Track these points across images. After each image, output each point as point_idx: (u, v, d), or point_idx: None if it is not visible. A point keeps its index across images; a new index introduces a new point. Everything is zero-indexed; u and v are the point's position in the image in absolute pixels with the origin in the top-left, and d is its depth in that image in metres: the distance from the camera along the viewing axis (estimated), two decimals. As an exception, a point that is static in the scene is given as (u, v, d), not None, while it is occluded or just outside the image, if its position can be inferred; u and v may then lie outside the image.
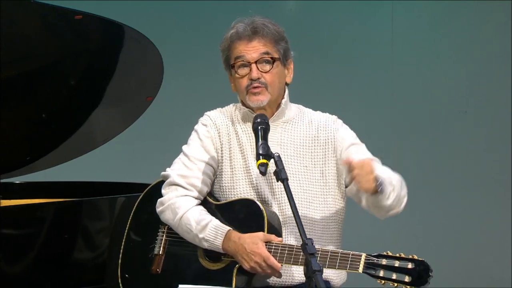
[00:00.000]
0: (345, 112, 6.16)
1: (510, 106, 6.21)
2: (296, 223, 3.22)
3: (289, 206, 3.59)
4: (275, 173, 3.32)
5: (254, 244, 3.46)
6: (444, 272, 6.19)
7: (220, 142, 3.70)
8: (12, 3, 4.09)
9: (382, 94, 6.31)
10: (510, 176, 6.20)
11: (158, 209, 3.68)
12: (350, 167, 3.42)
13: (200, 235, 3.55)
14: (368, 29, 6.31)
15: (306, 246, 3.12)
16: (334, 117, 3.78)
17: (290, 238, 3.60)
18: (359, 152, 3.68)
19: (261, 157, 3.37)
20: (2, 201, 4.55)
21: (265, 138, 3.45)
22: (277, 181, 3.34)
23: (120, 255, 3.77)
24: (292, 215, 3.57)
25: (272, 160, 3.37)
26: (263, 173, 3.35)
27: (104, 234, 4.36)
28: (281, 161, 3.35)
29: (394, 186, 3.54)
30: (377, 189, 3.44)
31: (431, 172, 6.28)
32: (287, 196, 3.27)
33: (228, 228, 3.54)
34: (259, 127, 3.47)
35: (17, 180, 4.96)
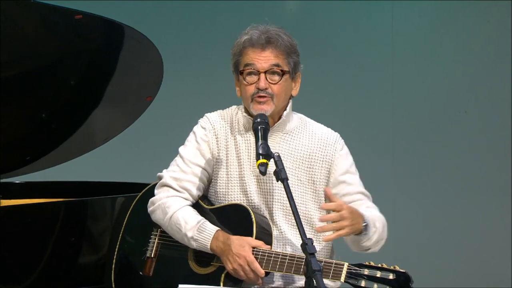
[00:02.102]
0: (345, 112, 6.20)
1: (510, 106, 6.21)
2: (296, 223, 3.22)
3: (278, 216, 3.61)
4: (275, 172, 3.32)
5: (240, 247, 3.46)
6: (444, 272, 6.20)
7: (217, 147, 3.69)
8: (12, 3, 4.09)
9: (382, 94, 6.31)
10: (510, 176, 6.20)
11: (149, 208, 3.68)
12: (339, 208, 3.44)
13: (189, 235, 3.55)
14: (368, 29, 6.31)
15: (306, 246, 3.12)
16: (336, 135, 3.74)
17: (280, 246, 3.60)
18: (352, 183, 3.68)
19: (261, 157, 3.37)
20: (2, 201, 4.55)
21: (265, 138, 3.44)
22: (277, 181, 3.34)
23: (115, 257, 3.78)
24: (282, 223, 3.60)
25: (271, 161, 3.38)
26: (263, 173, 3.35)
27: (106, 234, 4.36)
28: (281, 161, 3.35)
29: (377, 229, 3.57)
30: (362, 231, 3.49)
31: (431, 172, 6.28)
32: (287, 196, 3.27)
33: (216, 228, 3.54)
34: (259, 127, 3.47)
35: (17, 180, 4.96)
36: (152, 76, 4.72)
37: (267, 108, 3.59)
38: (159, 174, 3.73)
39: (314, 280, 3.05)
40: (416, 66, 6.32)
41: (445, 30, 6.31)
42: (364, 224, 3.49)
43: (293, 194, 3.53)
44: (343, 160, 3.69)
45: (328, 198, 3.51)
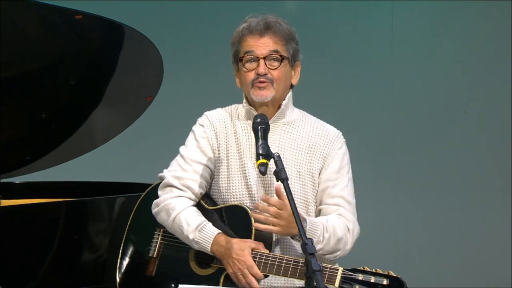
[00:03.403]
0: (345, 112, 6.20)
1: (510, 106, 6.21)
2: (296, 223, 3.21)
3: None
4: (275, 173, 3.32)
5: (241, 251, 3.47)
6: (444, 272, 6.20)
7: (217, 142, 3.69)
8: (12, 3, 4.09)
9: (382, 94, 6.31)
10: (510, 176, 6.20)
11: (154, 210, 3.68)
12: (280, 207, 3.44)
13: (191, 237, 3.56)
14: (368, 29, 6.31)
15: (306, 246, 3.12)
16: (339, 132, 3.74)
17: (281, 243, 3.60)
18: (337, 185, 3.65)
19: (261, 157, 3.37)
20: (2, 201, 4.55)
21: (265, 138, 3.44)
22: (277, 181, 3.33)
23: (119, 257, 3.79)
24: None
25: (272, 160, 3.38)
26: (263, 173, 3.35)
27: (105, 234, 4.36)
28: (281, 161, 3.34)
29: (324, 239, 3.53)
30: (295, 237, 3.50)
31: (431, 172, 6.28)
32: (287, 196, 3.27)
33: (217, 231, 3.54)
34: (259, 127, 3.47)
35: (17, 180, 4.96)
36: (152, 76, 4.72)
37: (267, 94, 3.59)
38: (160, 174, 3.73)
39: (314, 280, 3.05)
40: (415, 66, 6.32)
41: (445, 30, 6.31)
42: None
43: (293, 187, 3.57)
44: (338, 159, 3.68)
45: (277, 194, 3.47)
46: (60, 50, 4.44)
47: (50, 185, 5.02)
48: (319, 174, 3.67)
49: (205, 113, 3.76)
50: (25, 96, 4.47)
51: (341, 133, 3.74)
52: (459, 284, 6.12)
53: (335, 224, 3.57)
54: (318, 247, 3.48)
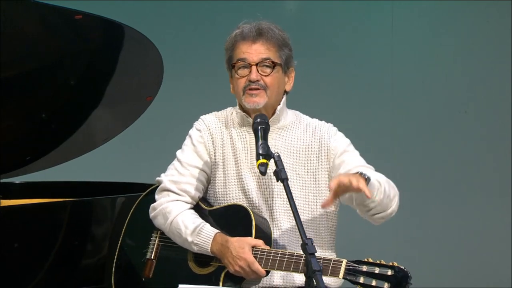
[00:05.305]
0: (345, 112, 6.20)
1: (510, 106, 6.21)
2: (296, 223, 3.22)
3: (279, 213, 3.61)
4: (275, 173, 3.32)
5: (240, 249, 3.47)
6: (444, 272, 6.20)
7: (214, 147, 3.69)
8: (12, 3, 4.09)
9: (382, 94, 6.31)
10: (510, 176, 6.20)
11: (151, 214, 3.69)
12: (340, 186, 3.37)
13: (190, 239, 3.56)
14: (368, 29, 6.31)
15: (306, 246, 3.12)
16: (329, 124, 3.74)
17: (280, 244, 3.60)
18: (352, 160, 3.65)
19: (261, 157, 3.37)
20: (2, 201, 4.55)
21: (265, 138, 3.45)
22: (277, 181, 3.34)
23: (115, 259, 3.79)
24: (283, 221, 3.60)
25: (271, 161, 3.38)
26: (263, 173, 3.35)
27: (106, 234, 4.36)
28: (281, 161, 3.35)
29: (381, 183, 3.51)
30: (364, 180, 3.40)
31: (431, 172, 6.28)
32: (287, 196, 3.27)
33: (216, 231, 3.54)
34: (259, 127, 3.47)
35: (17, 180, 4.96)
36: (152, 76, 4.72)
37: (259, 101, 3.60)
38: (157, 178, 3.74)
39: (314, 280, 3.05)
40: (416, 66, 6.32)
41: (445, 30, 6.31)
42: (365, 177, 3.39)
43: (294, 189, 3.56)
44: (338, 144, 3.68)
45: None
46: (60, 50, 4.44)
47: (50, 185, 5.01)
48: (328, 168, 3.65)
49: (201, 117, 3.77)
50: (25, 96, 4.47)
51: (331, 124, 3.74)
52: (459, 284, 6.12)
53: (377, 174, 3.57)
54: (379, 197, 3.47)
